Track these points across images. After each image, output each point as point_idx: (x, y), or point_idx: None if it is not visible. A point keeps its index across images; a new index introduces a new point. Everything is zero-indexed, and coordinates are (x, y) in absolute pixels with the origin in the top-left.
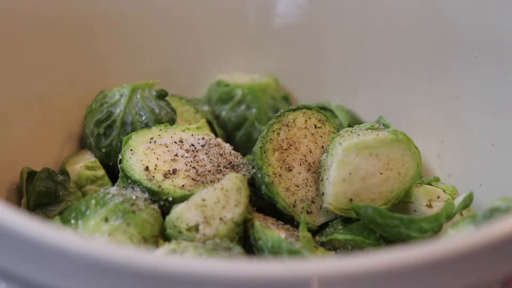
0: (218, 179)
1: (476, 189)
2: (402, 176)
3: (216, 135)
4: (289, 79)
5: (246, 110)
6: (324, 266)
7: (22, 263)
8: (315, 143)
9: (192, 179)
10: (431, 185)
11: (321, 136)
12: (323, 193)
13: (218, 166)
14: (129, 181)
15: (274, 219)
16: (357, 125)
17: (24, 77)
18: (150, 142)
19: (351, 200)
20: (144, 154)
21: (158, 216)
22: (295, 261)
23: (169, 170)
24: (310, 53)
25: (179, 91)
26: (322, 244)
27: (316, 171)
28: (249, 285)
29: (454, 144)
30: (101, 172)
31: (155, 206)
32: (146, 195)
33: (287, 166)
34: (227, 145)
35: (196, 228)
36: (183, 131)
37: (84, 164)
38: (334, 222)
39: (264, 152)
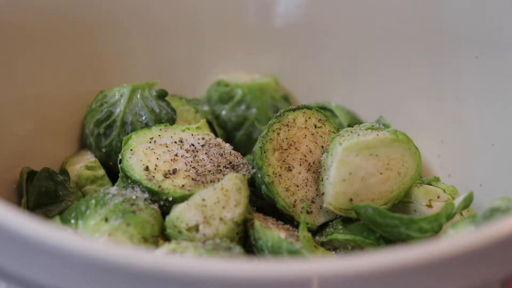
0: (218, 179)
1: (476, 189)
2: (402, 176)
3: (216, 135)
4: (289, 79)
5: (246, 110)
6: (324, 266)
7: (22, 263)
8: (315, 143)
9: (192, 179)
10: (431, 185)
11: (321, 136)
12: (323, 193)
13: (218, 166)
14: (129, 181)
15: (274, 219)
16: (357, 125)
17: (24, 77)
18: (150, 142)
19: (351, 200)
20: (144, 154)
21: (158, 216)
22: (295, 261)
23: (169, 170)
24: (310, 53)
25: (179, 91)
26: (322, 244)
27: (316, 171)
28: (249, 285)
29: (454, 144)
30: (101, 172)
31: (155, 206)
32: (146, 195)
33: (287, 166)
34: (227, 145)
35: (196, 228)
36: (183, 131)
37: (84, 164)
38: (334, 222)
39: (264, 152)
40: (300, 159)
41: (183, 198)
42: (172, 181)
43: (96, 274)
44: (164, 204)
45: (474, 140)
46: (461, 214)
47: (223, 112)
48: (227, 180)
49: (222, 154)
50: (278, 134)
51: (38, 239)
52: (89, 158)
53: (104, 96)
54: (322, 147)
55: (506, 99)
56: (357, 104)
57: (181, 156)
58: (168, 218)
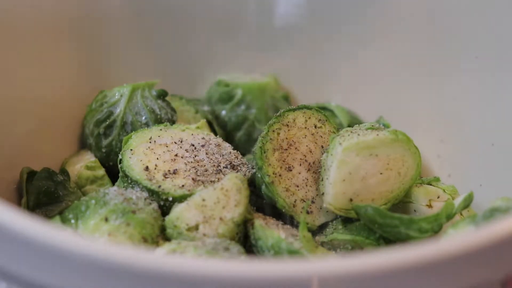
0: (218, 179)
1: (476, 189)
2: (402, 176)
3: (216, 135)
4: (289, 79)
5: (246, 110)
6: (324, 266)
7: (22, 263)
8: (315, 143)
9: (192, 179)
10: (431, 185)
11: (321, 136)
12: (323, 193)
13: (218, 166)
14: (129, 181)
15: (274, 219)
16: (357, 125)
17: (24, 77)
18: (150, 142)
19: (351, 200)
20: (144, 154)
21: (158, 216)
22: (295, 261)
23: (169, 170)
24: (310, 53)
25: (179, 91)
26: (322, 244)
27: (316, 171)
28: (249, 285)
29: (454, 144)
30: (101, 172)
31: (155, 206)
32: (146, 195)
33: (287, 166)
34: (227, 145)
35: (196, 228)
36: (183, 131)
37: (84, 164)
38: (334, 222)
39: (264, 152)
40: (300, 159)
41: (183, 198)
42: (172, 181)
43: (96, 274)
44: (164, 204)
45: (474, 140)
46: (461, 214)
47: (223, 112)
48: (227, 180)
49: (222, 154)
50: (278, 134)
51: (38, 239)
52: (89, 158)
53: (104, 96)
54: (322, 147)
55: (506, 99)
56: (357, 104)
57: (181, 156)
58: (168, 218)
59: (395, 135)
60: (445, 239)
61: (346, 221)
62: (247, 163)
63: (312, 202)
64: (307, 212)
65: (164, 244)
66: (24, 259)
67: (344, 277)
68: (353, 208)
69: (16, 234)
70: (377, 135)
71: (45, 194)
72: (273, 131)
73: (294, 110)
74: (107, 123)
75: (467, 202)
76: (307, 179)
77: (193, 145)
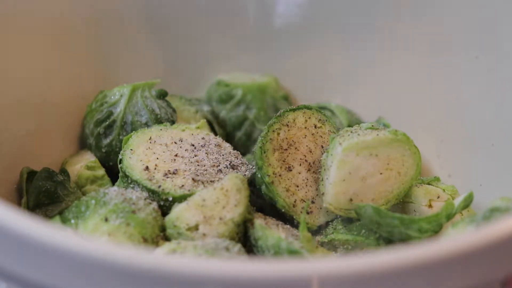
0: (218, 179)
1: (476, 189)
2: (402, 176)
3: (216, 135)
4: (289, 79)
5: (246, 110)
6: (324, 266)
7: (22, 263)
8: (315, 143)
9: (192, 179)
10: (431, 185)
11: (321, 136)
12: (323, 193)
13: (218, 166)
14: (129, 181)
15: (274, 219)
16: (357, 125)
17: (24, 77)
18: (150, 142)
19: (351, 200)
20: (144, 154)
21: (158, 216)
22: (295, 261)
23: (169, 170)
24: (310, 53)
25: (179, 91)
26: (322, 244)
27: (316, 171)
28: (249, 285)
29: (454, 144)
30: (101, 172)
31: (155, 206)
32: (146, 195)
33: (287, 166)
34: (227, 145)
35: (196, 228)
36: (183, 131)
37: (84, 164)
38: (334, 222)
39: (264, 152)
40: (300, 159)
41: (183, 198)
42: (172, 181)
43: (96, 274)
44: (164, 204)
45: (474, 140)
46: (461, 214)
47: (223, 112)
48: (227, 180)
49: (222, 154)
50: (278, 134)
51: (38, 239)
52: (89, 158)
53: (104, 96)
54: (322, 147)
55: (506, 99)
56: (357, 104)
57: (181, 156)
58: (168, 218)
59: (395, 135)
60: (445, 239)
61: (346, 221)
62: (247, 163)
63: (312, 202)
64: (307, 212)
65: (164, 244)
66: (24, 259)
67: (344, 277)
68: (353, 208)
69: (16, 234)
70: (377, 135)
71: (45, 194)
72: (273, 131)
73: (294, 110)
74: (107, 123)
75: (467, 202)
76: (307, 179)
77: (193, 145)
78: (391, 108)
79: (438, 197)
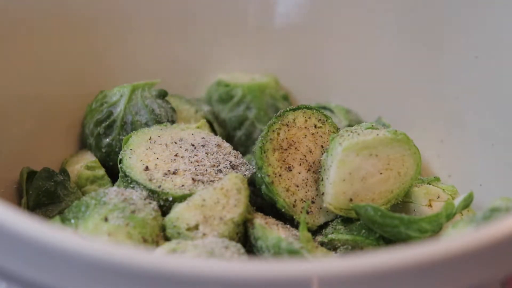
0: (218, 179)
1: (476, 189)
2: (402, 176)
3: (216, 135)
4: (289, 79)
5: (246, 110)
6: (324, 266)
7: (22, 263)
8: (315, 143)
9: (192, 179)
10: (431, 185)
11: (321, 136)
12: (323, 193)
13: (218, 166)
14: (129, 181)
15: (274, 219)
16: (357, 125)
17: (24, 77)
18: (150, 142)
19: (351, 200)
20: (144, 154)
21: (158, 216)
22: (295, 261)
23: (169, 170)
24: (310, 53)
25: (179, 91)
26: (322, 244)
27: (316, 171)
28: (249, 285)
29: (454, 144)
30: (101, 172)
31: (155, 206)
32: (146, 194)
33: (287, 166)
34: (227, 144)
35: (196, 228)
36: (183, 130)
37: (84, 164)
38: (334, 222)
39: (264, 152)
40: (300, 159)
41: (183, 198)
42: (172, 181)
43: (96, 274)
44: (164, 204)
45: (474, 140)
46: (461, 214)
47: (223, 112)
48: (227, 180)
49: (222, 154)
50: (278, 134)
51: (38, 239)
52: (89, 158)
53: (104, 96)
54: (322, 147)
55: (506, 100)
56: (357, 104)
57: (181, 156)
58: (168, 218)
59: (395, 135)
60: (445, 239)
61: (346, 221)
62: (247, 163)
63: (312, 202)
64: (307, 212)
65: (164, 244)
66: (24, 259)
67: (344, 277)
68: (353, 208)
69: (16, 234)
70: (377, 135)
71: (45, 194)
72: (273, 131)
73: (294, 110)
74: (107, 123)
75: (467, 202)
76: (307, 179)
77: (193, 145)
78: (391, 108)
79: (438, 197)
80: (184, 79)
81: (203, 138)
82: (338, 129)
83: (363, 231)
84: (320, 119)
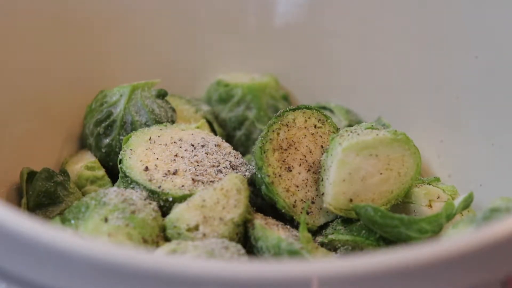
0: (218, 179)
1: (476, 189)
2: (402, 176)
3: (216, 135)
4: (289, 79)
5: (245, 110)
6: (324, 266)
7: (22, 263)
8: (315, 143)
9: (192, 179)
10: (431, 185)
11: (321, 136)
12: (323, 193)
13: (218, 166)
14: (129, 181)
15: (274, 219)
16: (357, 125)
17: (24, 77)
18: (149, 142)
19: (351, 200)
20: (144, 154)
21: (158, 216)
22: (295, 262)
23: (169, 170)
24: (310, 53)
25: (179, 91)
26: (322, 245)
27: (316, 171)
28: (249, 285)
29: (454, 144)
30: (101, 172)
31: (155, 206)
32: (146, 195)
33: (287, 166)
34: (227, 145)
35: (196, 228)
36: (183, 131)
37: (84, 164)
38: (334, 222)
39: (264, 152)
40: (300, 159)
41: (183, 199)
42: (172, 181)
43: (96, 275)
44: (164, 204)
45: (474, 140)
46: (461, 214)
47: (223, 112)
48: (227, 180)
49: (222, 154)
50: (278, 134)
51: (38, 239)
52: (89, 158)
53: (104, 96)
54: (322, 147)
55: (506, 99)
56: (357, 104)
57: (181, 156)
58: (168, 218)
59: (395, 135)
60: (445, 240)
61: (346, 221)
62: (247, 163)
63: (312, 202)
64: (307, 213)
65: (164, 244)
66: (24, 259)
67: (344, 278)
68: (353, 208)
69: (16, 235)
70: (377, 135)
71: (45, 194)
72: (273, 131)
73: (294, 110)
74: (107, 123)
75: (467, 202)
76: (307, 180)
77: (193, 145)
78: (391, 108)
79: (438, 197)
80: (184, 79)
81: (203, 138)
82: (338, 129)
83: (363, 231)
84: (320, 119)
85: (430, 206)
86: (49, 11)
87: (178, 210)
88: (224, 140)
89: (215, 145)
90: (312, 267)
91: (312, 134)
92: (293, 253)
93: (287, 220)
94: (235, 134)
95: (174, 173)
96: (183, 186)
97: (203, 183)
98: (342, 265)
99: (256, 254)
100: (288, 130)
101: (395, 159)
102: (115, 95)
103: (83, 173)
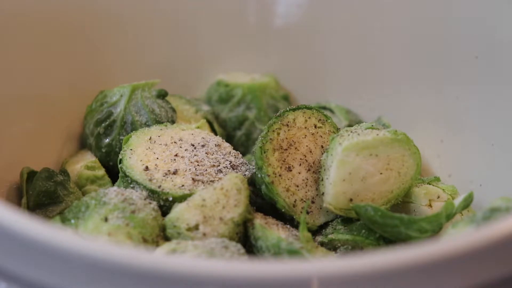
0: (218, 179)
1: (476, 189)
2: (402, 176)
3: (216, 135)
4: (289, 79)
5: (246, 110)
6: (324, 266)
7: (22, 263)
8: (315, 143)
9: (192, 179)
10: (431, 185)
11: (321, 136)
12: (323, 193)
13: (218, 166)
14: (129, 181)
15: (274, 219)
16: (357, 125)
17: (24, 77)
18: (150, 142)
19: (351, 200)
20: (144, 154)
21: (158, 216)
22: (295, 261)
23: (169, 170)
24: (310, 53)
25: (179, 91)
26: (322, 244)
27: (316, 171)
28: (249, 285)
29: (454, 144)
30: (101, 172)
31: (155, 206)
32: (146, 195)
33: (287, 166)
34: (227, 144)
35: (196, 228)
36: (183, 130)
37: (84, 164)
38: (334, 222)
39: (264, 152)
40: (300, 159)
41: (183, 198)
42: (172, 181)
43: (96, 274)
44: (164, 204)
45: (474, 140)
46: (461, 214)
47: (223, 112)
48: (227, 180)
49: (222, 154)
50: (278, 134)
51: (38, 239)
52: (89, 158)
53: (104, 96)
54: (322, 147)
55: (506, 99)
56: (357, 104)
57: (181, 156)
58: (168, 218)
59: (395, 135)
60: (445, 239)
61: (346, 221)
62: (247, 163)
63: (312, 202)
64: (307, 212)
65: (164, 244)
66: (24, 259)
67: (344, 277)
68: (353, 208)
69: (16, 234)
70: (377, 135)
71: (45, 194)
72: (273, 131)
73: (294, 110)
74: (107, 123)
75: (467, 202)
76: (307, 179)
77: (193, 145)
78: (391, 108)
79: (438, 197)
80: (184, 79)
81: (203, 138)
82: (338, 129)
83: (363, 231)
84: (320, 119)
85: (430, 206)
86: (49, 11)
87: (178, 210)
88: (224, 140)
89: (215, 145)
90: (312, 267)
91: (312, 134)
92: (293, 253)
93: (287, 219)
94: (235, 134)
95: (174, 173)
96: (183, 185)
97: (203, 182)
98: (342, 265)
99: (256, 254)
100: (288, 130)
101: (395, 159)
102: (115, 95)
103: (83, 172)
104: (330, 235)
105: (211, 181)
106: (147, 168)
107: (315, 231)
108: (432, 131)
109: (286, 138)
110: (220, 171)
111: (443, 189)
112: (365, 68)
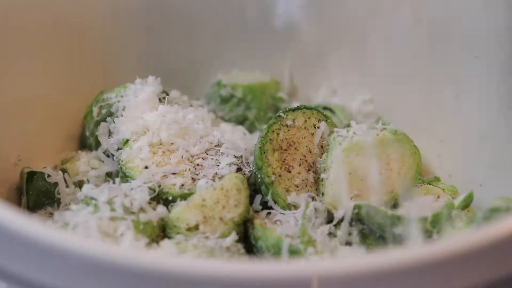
0: (218, 178)
1: (476, 189)
2: (402, 176)
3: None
4: (289, 79)
5: (246, 110)
6: (324, 266)
7: (22, 263)
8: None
9: (192, 178)
10: (431, 185)
11: (321, 136)
12: (323, 193)
13: (218, 166)
14: (129, 181)
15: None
16: (357, 125)
17: (24, 77)
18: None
19: (351, 200)
20: (144, 153)
21: (158, 215)
22: (295, 261)
23: (169, 170)
24: (310, 53)
25: (179, 91)
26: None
27: (316, 171)
28: (249, 285)
29: (454, 144)
30: (101, 172)
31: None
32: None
33: (286, 167)
34: (227, 144)
35: (196, 228)
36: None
37: (84, 164)
38: (333, 222)
39: (264, 153)
40: (300, 159)
41: (182, 198)
42: (172, 180)
43: (96, 274)
44: (164, 203)
45: (474, 140)
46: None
47: (223, 112)
48: (227, 180)
49: (222, 154)
50: (278, 134)
51: (38, 239)
52: (89, 158)
53: (104, 96)
54: (322, 147)
55: (506, 99)
56: (357, 104)
57: (181, 156)
58: (168, 218)
59: (395, 135)
60: (445, 239)
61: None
62: (247, 163)
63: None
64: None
65: (164, 244)
66: (24, 259)
67: (343, 277)
68: (353, 207)
69: (16, 234)
70: (377, 135)
71: (45, 194)
72: (273, 131)
73: (293, 110)
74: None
75: (467, 202)
76: (307, 179)
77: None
78: (391, 108)
79: (438, 197)
80: (184, 79)
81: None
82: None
83: (363, 231)
84: (320, 119)
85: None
86: (50, 11)
87: (178, 210)
88: (224, 140)
89: (215, 145)
90: (312, 267)
91: (312, 134)
92: (293, 253)
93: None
94: None
95: (174, 173)
96: (183, 185)
97: None
98: (342, 265)
99: (256, 254)
100: (288, 130)
101: (395, 159)
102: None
103: (83, 172)
104: (330, 235)
105: (211, 181)
106: (147, 168)
107: (315, 231)
108: (432, 131)
109: (286, 139)
110: (220, 171)
111: (443, 189)
112: (365, 68)
